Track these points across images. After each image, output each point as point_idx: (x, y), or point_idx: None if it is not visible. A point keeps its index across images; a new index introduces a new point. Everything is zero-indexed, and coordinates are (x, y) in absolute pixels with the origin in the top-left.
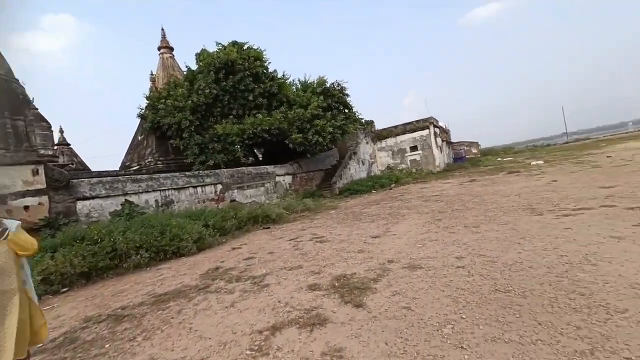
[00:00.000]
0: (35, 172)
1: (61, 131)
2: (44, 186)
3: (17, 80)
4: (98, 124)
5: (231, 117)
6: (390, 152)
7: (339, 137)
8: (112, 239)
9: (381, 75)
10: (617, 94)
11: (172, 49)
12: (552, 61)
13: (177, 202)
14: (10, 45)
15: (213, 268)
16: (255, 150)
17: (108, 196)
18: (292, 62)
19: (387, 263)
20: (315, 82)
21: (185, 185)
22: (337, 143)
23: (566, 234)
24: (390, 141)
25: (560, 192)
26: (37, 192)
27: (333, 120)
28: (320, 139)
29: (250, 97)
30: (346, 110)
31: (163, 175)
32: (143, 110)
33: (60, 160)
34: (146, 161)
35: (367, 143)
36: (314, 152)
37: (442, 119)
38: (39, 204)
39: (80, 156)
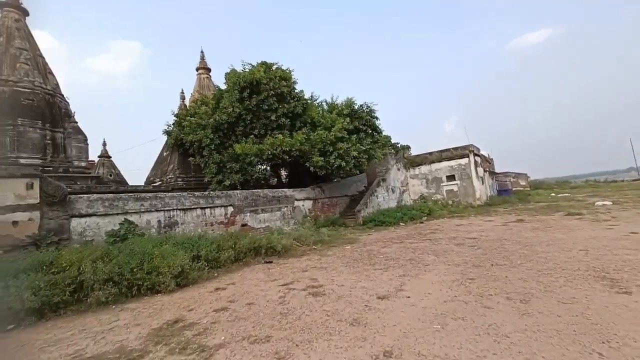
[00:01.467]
0: (29, 186)
1: (104, 144)
2: (37, 201)
3: (62, 95)
4: (141, 139)
5: (252, 136)
6: (425, 180)
7: (364, 162)
8: (79, 268)
9: (422, 100)
10: None
11: (209, 70)
12: (614, 89)
13: (181, 223)
14: (87, 67)
15: (172, 320)
16: (281, 172)
17: (106, 214)
18: (326, 84)
19: (382, 357)
20: (343, 103)
21: (193, 207)
22: (363, 168)
23: None
24: (424, 169)
25: None
26: (28, 207)
27: (359, 144)
28: (343, 164)
29: (273, 117)
30: (375, 134)
31: (169, 194)
32: (170, 127)
33: (101, 171)
34: (167, 177)
35: (398, 169)
36: (337, 176)
37: (485, 147)
38: (29, 219)
39: (119, 168)
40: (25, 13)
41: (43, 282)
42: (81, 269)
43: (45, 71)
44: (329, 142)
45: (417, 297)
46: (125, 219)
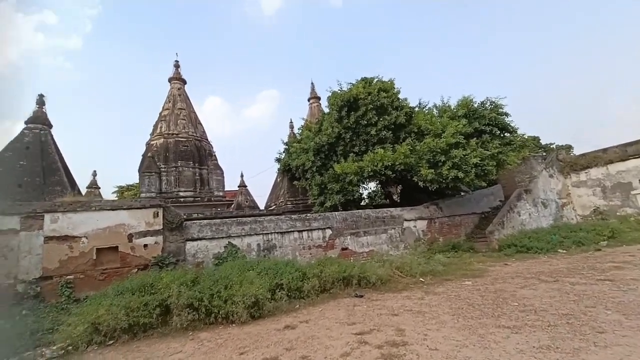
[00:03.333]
0: (155, 215)
1: (241, 175)
2: (161, 227)
3: (207, 139)
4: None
5: (352, 154)
6: (599, 188)
7: (491, 171)
8: (168, 292)
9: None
10: None
11: (318, 99)
12: None
13: (279, 247)
14: (244, 117)
15: None
16: (392, 191)
17: (213, 238)
18: (441, 86)
19: None
20: (457, 103)
21: (290, 230)
22: (491, 177)
23: None
24: (596, 172)
25: None
26: (155, 232)
27: (481, 149)
28: (460, 174)
29: (373, 132)
30: (504, 134)
31: (267, 218)
32: (280, 155)
33: (240, 199)
34: (279, 201)
35: (550, 176)
36: (456, 190)
37: None
38: (155, 242)
39: (253, 196)
40: (184, 82)
41: (137, 304)
42: (169, 292)
43: (195, 122)
44: (439, 150)
45: None
46: (229, 242)
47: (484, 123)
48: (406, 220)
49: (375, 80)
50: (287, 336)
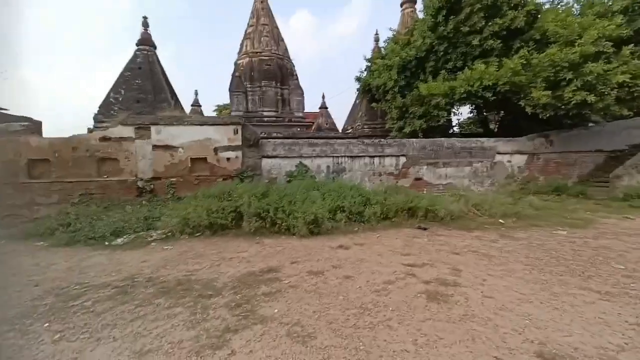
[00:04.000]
0: (235, 132)
1: (323, 97)
2: (240, 143)
3: (289, 57)
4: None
5: (443, 72)
6: None
7: None
8: (241, 201)
9: None
10: None
11: (414, 2)
12: None
13: (349, 170)
14: (329, 34)
15: (267, 269)
16: (491, 119)
17: (286, 157)
18: None
19: None
20: None
21: (360, 154)
22: (638, 104)
23: None
24: None
25: None
26: (235, 148)
27: (637, 61)
28: (592, 98)
29: (475, 41)
30: None
31: (339, 141)
32: (361, 73)
33: (320, 120)
34: (356, 125)
35: None
36: (584, 120)
37: None
38: (236, 157)
39: (333, 118)
40: None
41: (216, 207)
42: (241, 201)
43: (278, 39)
44: (566, 64)
45: None
46: (300, 161)
47: None
48: (499, 153)
49: None
50: (338, 255)
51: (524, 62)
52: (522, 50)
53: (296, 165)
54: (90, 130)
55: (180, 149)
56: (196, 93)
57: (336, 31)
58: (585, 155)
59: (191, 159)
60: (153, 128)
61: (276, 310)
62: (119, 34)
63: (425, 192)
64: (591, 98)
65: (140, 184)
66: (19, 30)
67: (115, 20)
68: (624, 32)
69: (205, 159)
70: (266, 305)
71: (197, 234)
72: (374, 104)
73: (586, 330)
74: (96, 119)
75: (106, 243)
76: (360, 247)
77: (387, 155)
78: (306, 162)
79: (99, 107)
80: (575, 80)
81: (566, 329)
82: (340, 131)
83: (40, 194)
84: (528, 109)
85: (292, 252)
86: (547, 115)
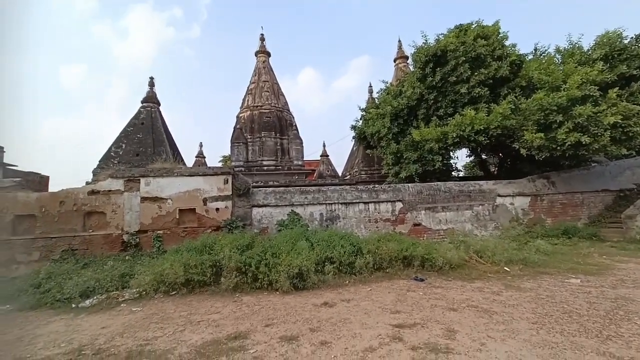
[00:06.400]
0: (225, 181)
1: (324, 145)
2: (230, 193)
3: (289, 110)
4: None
5: (435, 119)
6: None
7: (638, 133)
8: (222, 254)
9: None
10: None
11: (407, 58)
12: None
13: (343, 218)
14: (333, 88)
15: (233, 335)
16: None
17: (277, 205)
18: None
19: None
20: (594, 42)
21: (355, 201)
22: (635, 143)
23: None
24: None
25: None
26: (225, 198)
27: (626, 103)
28: (586, 139)
29: (464, 90)
30: None
31: (332, 187)
32: (356, 122)
33: (321, 168)
34: (354, 171)
35: None
36: (581, 160)
37: None
38: (225, 207)
39: (334, 165)
40: (269, 55)
41: (194, 261)
42: (223, 255)
43: (278, 94)
44: (555, 108)
45: None
46: (291, 210)
47: (635, 66)
48: (500, 195)
49: (474, 26)
50: (320, 314)
51: (513, 107)
52: (509, 96)
53: (288, 214)
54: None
55: (169, 200)
56: (201, 145)
57: (341, 85)
58: (592, 196)
59: (179, 210)
60: (142, 180)
61: None
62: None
63: (425, 238)
64: (585, 139)
65: (125, 237)
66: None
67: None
68: (607, 77)
69: (194, 209)
70: None
71: (173, 292)
72: (369, 151)
73: None
74: (94, 172)
75: (73, 305)
76: (346, 303)
77: (383, 201)
78: (298, 210)
79: (99, 161)
80: (566, 122)
81: None
82: (339, 179)
83: (22, 251)
84: (522, 151)
85: (269, 311)
86: (543, 156)
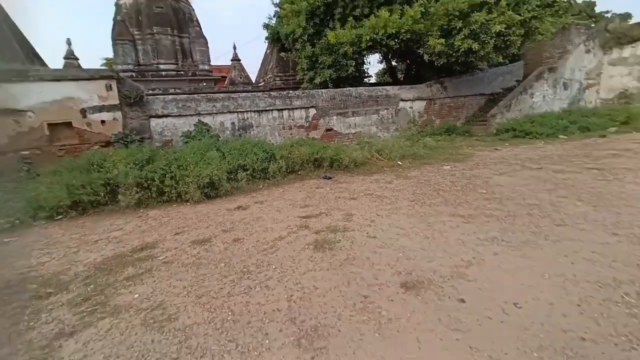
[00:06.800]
0: (108, 87)
1: (234, 48)
2: (117, 102)
3: (187, 0)
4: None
5: (351, 19)
6: (637, 67)
7: (516, 42)
8: (116, 171)
9: None
10: None
11: None
12: None
13: (256, 126)
14: None
15: (141, 246)
16: (397, 68)
17: (180, 115)
18: None
19: None
20: None
21: (268, 108)
22: (516, 51)
23: None
24: None
25: None
26: (111, 108)
27: (511, 12)
28: (476, 46)
29: None
30: None
31: (243, 94)
32: (270, 19)
33: (233, 74)
34: (267, 77)
35: (587, 51)
36: (470, 66)
37: None
38: (114, 119)
39: (247, 71)
40: None
41: (80, 182)
42: (116, 171)
43: None
44: (457, 13)
45: (520, 311)
46: (198, 120)
47: None
48: (403, 100)
49: None
50: (233, 217)
51: (423, 10)
52: None
53: (195, 125)
54: None
55: (29, 113)
56: (69, 42)
57: None
58: (472, 99)
59: (49, 124)
60: None
61: (136, 296)
62: None
63: (335, 142)
64: (475, 46)
65: None
66: None
67: None
68: None
69: (70, 123)
70: (126, 291)
71: (59, 217)
72: (283, 54)
73: (446, 253)
74: None
75: None
76: (260, 205)
77: (297, 108)
78: (206, 120)
79: None
80: (464, 29)
81: (431, 255)
82: (252, 86)
83: None
84: (426, 57)
85: (179, 221)
86: (442, 62)
